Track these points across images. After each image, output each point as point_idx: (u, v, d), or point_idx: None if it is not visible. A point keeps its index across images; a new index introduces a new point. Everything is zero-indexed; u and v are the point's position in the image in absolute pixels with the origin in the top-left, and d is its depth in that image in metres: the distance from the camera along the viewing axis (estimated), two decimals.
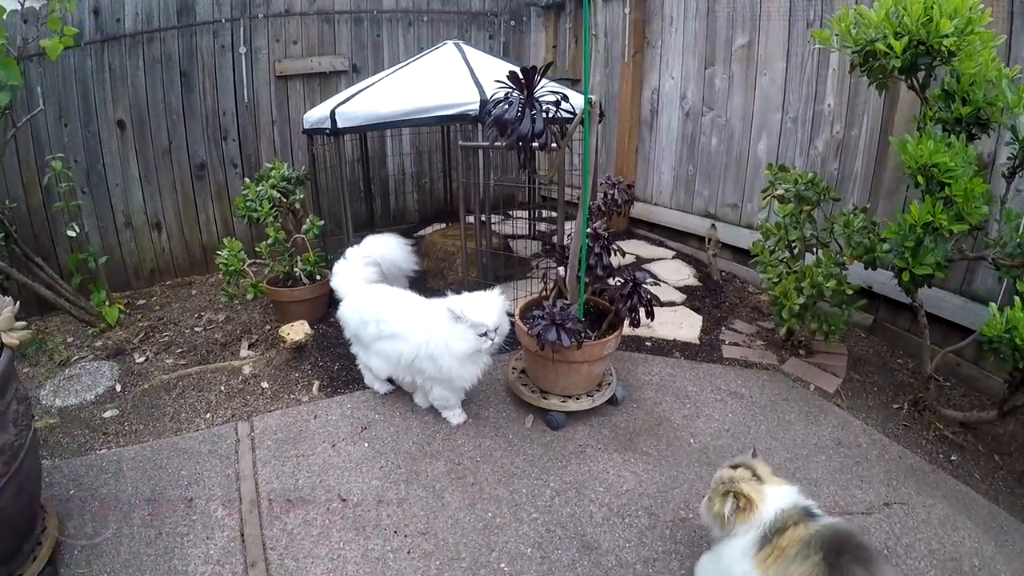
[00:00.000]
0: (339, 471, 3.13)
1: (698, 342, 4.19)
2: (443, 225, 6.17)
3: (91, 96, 5.36)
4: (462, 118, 3.95)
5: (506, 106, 2.75)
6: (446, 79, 4.27)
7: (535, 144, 2.74)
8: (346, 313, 3.62)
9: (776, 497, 2.07)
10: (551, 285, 3.52)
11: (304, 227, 4.36)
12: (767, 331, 4.32)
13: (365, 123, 4.07)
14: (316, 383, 3.91)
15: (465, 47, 4.73)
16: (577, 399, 3.30)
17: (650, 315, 3.17)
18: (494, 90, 2.90)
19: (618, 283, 3.21)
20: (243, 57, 5.67)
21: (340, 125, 4.07)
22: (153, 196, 5.74)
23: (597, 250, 3.15)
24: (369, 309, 3.48)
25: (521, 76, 2.72)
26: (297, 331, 4.10)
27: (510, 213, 6.43)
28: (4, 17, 3.87)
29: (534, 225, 6.11)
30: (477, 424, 3.46)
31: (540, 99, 2.78)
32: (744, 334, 4.29)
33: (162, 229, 5.86)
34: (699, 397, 3.61)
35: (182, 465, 3.26)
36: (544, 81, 2.83)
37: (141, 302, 5.69)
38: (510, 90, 2.79)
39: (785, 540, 1.95)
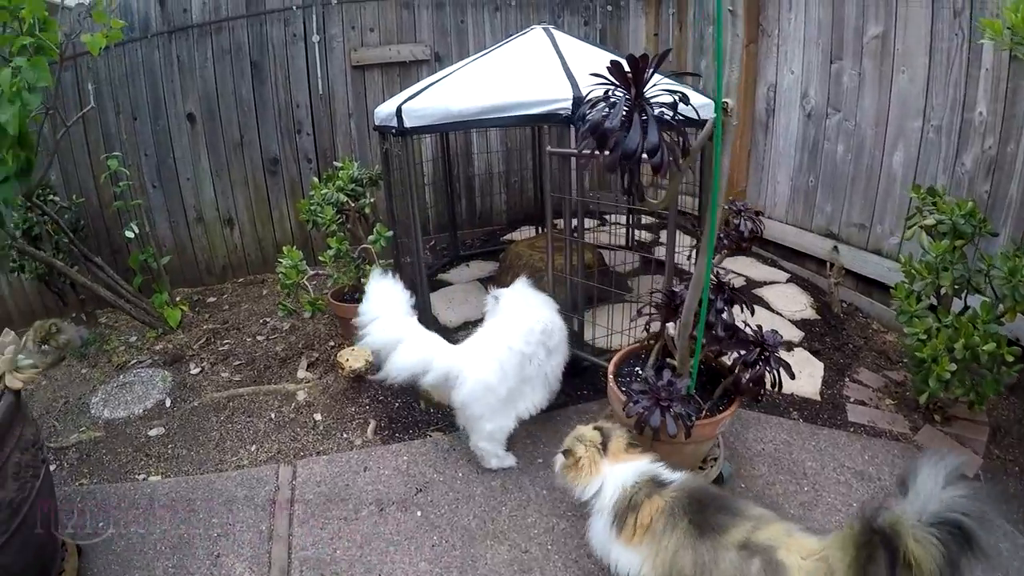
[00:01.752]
0: (384, 544, 2.58)
1: (819, 398, 3.39)
2: (532, 231, 5.49)
3: (160, 89, 5.07)
4: (550, 119, 3.24)
5: (606, 109, 1.96)
6: (532, 70, 3.58)
7: (645, 158, 1.95)
8: (481, 377, 2.73)
9: (618, 474, 2.04)
10: (653, 337, 2.80)
11: (371, 237, 3.78)
12: (896, 385, 3.48)
13: (436, 122, 3.41)
14: (372, 423, 3.36)
15: (556, 32, 4.01)
16: None
17: (777, 386, 2.41)
18: (591, 86, 2.14)
19: (741, 340, 2.43)
20: (316, 46, 5.19)
21: (408, 124, 3.43)
22: (225, 191, 5.40)
23: (720, 305, 2.37)
24: (529, 337, 2.82)
25: (627, 69, 1.95)
26: (357, 357, 3.55)
27: (605, 218, 5.66)
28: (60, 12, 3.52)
29: (632, 233, 5.30)
30: (552, 496, 2.79)
31: (653, 100, 2.01)
32: (871, 388, 3.47)
33: (234, 225, 5.52)
34: (819, 477, 2.83)
35: (215, 511, 2.84)
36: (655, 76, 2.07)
37: (211, 299, 5.37)
38: (612, 87, 2.02)
39: (646, 515, 1.91)
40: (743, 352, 2.39)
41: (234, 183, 5.38)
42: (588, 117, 2.01)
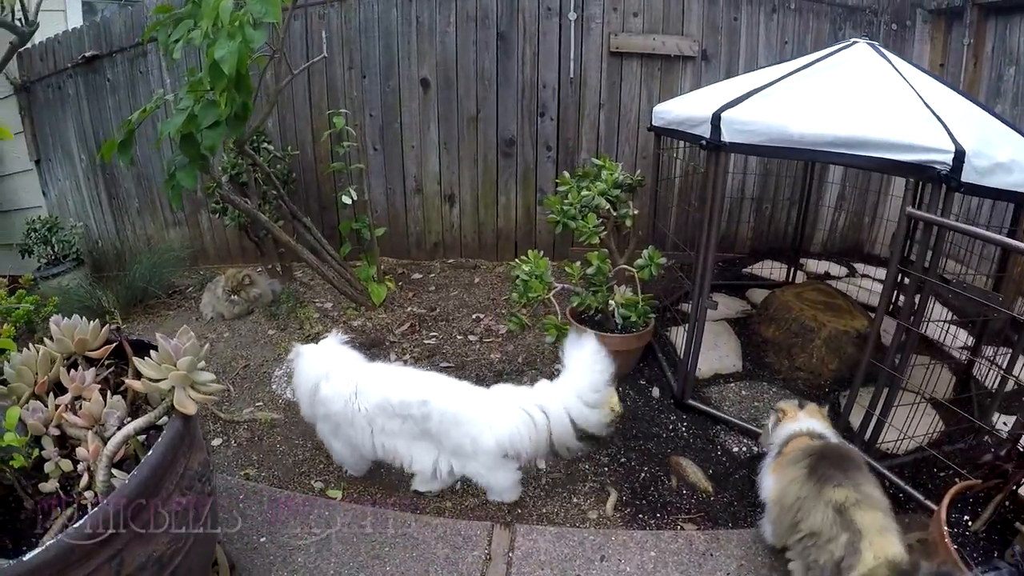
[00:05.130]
0: None
1: None
2: (781, 269, 4.56)
3: (394, 49, 4.57)
4: (919, 171, 2.29)
5: None
6: (880, 100, 2.66)
7: None
8: None
9: (802, 421, 2.24)
10: (997, 481, 1.94)
11: (639, 262, 3.05)
12: None
13: (767, 143, 2.59)
14: (613, 495, 2.59)
15: (888, 53, 3.07)
16: None
17: None
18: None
19: None
20: (572, 24, 4.47)
21: (727, 138, 2.65)
22: (450, 166, 4.85)
23: None
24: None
25: None
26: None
27: (852, 266, 4.71)
28: None
29: (894, 294, 4.13)
30: None
31: None
32: None
33: (455, 203, 4.98)
34: None
35: (406, 567, 2.20)
36: None
37: (416, 275, 4.85)
38: None
39: (789, 448, 2.13)
40: None
41: (462, 159, 4.82)
42: None
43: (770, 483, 2.14)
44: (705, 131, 2.76)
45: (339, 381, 2.41)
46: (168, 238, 5.35)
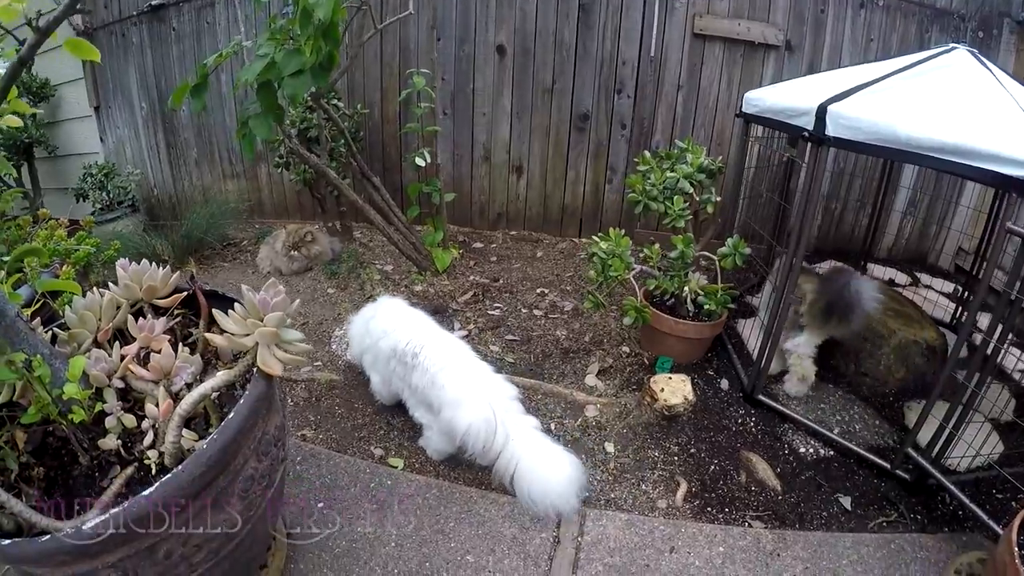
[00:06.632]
0: None
1: None
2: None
3: (471, 12, 4.50)
4: (1021, 187, 2.28)
5: None
6: (984, 110, 2.58)
7: None
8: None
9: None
10: None
11: (722, 250, 3.03)
12: None
13: (873, 142, 2.52)
14: (683, 485, 2.58)
15: (988, 63, 2.97)
16: None
17: None
18: None
19: None
20: (656, 1, 4.36)
21: (832, 132, 2.60)
22: (521, 136, 4.79)
23: None
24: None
25: None
26: (675, 392, 2.80)
27: (916, 276, 4.66)
28: None
29: (960, 312, 3.88)
30: None
31: None
32: None
33: (522, 174, 4.93)
34: None
35: (471, 545, 2.20)
36: None
37: (477, 245, 4.84)
38: None
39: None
40: None
41: (533, 130, 4.76)
42: None
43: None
44: (807, 123, 2.71)
45: (382, 319, 2.76)
46: (225, 190, 5.38)
